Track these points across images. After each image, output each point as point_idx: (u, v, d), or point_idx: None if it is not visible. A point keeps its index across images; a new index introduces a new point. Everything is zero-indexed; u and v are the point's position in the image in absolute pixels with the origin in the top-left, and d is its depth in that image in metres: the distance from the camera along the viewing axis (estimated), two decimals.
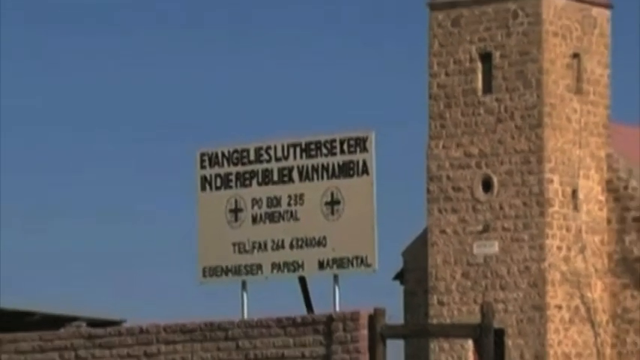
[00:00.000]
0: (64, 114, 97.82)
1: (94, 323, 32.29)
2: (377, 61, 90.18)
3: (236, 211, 22.96)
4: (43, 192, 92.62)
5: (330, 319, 19.89)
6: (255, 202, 22.87)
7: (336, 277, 22.10)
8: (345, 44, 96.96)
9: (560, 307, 49.25)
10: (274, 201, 22.74)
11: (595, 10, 51.24)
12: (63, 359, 21.12)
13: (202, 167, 23.33)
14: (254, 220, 22.86)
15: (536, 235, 49.24)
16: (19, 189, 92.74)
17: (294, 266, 22.63)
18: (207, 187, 23.31)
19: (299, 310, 21.97)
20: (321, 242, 22.32)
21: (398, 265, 52.59)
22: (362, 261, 22.18)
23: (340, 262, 22.11)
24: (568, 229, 49.92)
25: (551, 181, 49.40)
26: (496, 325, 30.22)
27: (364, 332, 19.42)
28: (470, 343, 46.78)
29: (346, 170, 22.33)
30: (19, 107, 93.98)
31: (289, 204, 22.67)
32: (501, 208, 49.76)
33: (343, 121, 69.19)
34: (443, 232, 50.40)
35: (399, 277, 52.90)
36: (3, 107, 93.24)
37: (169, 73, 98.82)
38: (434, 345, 49.69)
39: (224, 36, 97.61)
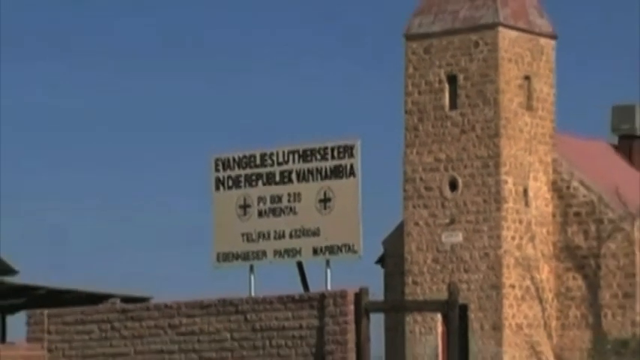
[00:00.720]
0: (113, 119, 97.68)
1: (126, 300, 32.18)
2: (362, 82, 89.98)
3: (244, 206, 23.01)
4: (84, 186, 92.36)
5: (322, 297, 19.94)
6: (261, 199, 22.93)
7: (327, 261, 22.21)
8: (335, 68, 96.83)
9: (513, 287, 49.13)
10: (276, 198, 22.81)
11: (542, 40, 51.17)
12: (101, 330, 21.14)
13: (217, 170, 23.41)
14: (259, 214, 22.93)
15: (494, 226, 49.16)
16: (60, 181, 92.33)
17: (293, 253, 22.71)
18: (221, 186, 23.36)
19: (297, 289, 22.04)
20: (315, 233, 22.39)
21: (379, 251, 52.49)
22: (349, 248, 22.27)
23: (331, 249, 22.20)
24: (520, 222, 49.85)
25: (506, 182, 49.32)
26: (460, 301, 30.29)
27: (351, 307, 19.48)
28: (439, 316, 46.69)
29: (336, 173, 22.40)
30: (58, 108, 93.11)
31: (289, 201, 22.75)
32: (465, 204, 49.64)
33: (334, 131, 68.65)
34: (416, 224, 50.28)
35: (380, 261, 52.78)
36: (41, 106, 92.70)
37: (191, 92, 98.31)
38: (409, 318, 49.54)
39: (237, 60, 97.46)
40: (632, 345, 46.52)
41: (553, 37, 51.43)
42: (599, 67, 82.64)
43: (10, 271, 41.92)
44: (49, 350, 21.17)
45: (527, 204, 49.89)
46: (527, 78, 50.22)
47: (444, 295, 26.64)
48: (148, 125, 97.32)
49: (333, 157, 22.26)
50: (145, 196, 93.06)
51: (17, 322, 43.43)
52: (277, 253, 22.61)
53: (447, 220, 49.55)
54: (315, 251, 22.27)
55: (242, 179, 22.86)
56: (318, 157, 22.37)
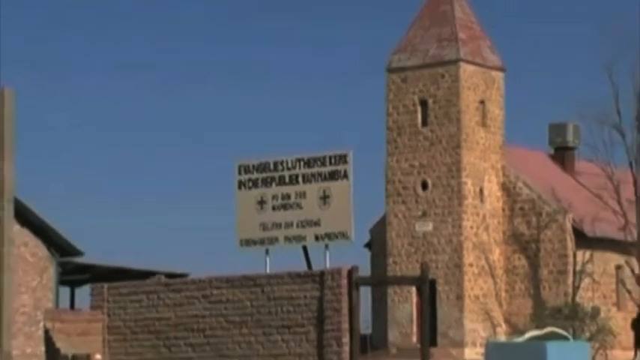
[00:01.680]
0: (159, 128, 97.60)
1: (168, 275, 32.17)
2: (353, 105, 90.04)
3: (261, 202, 22.99)
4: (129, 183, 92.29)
5: (322, 273, 19.93)
6: (274, 197, 22.92)
7: (326, 245, 22.24)
8: (334, 93, 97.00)
9: (472, 265, 49.06)
10: (286, 196, 22.80)
11: (493, 73, 51.12)
12: (149, 299, 21.11)
13: (239, 174, 23.41)
14: (273, 208, 22.92)
15: (456, 218, 49.10)
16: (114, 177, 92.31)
17: (299, 239, 22.73)
18: (242, 187, 23.33)
19: (302, 267, 22.02)
20: (316, 223, 22.39)
21: (367, 237, 52.34)
22: (343, 235, 22.30)
23: (329, 236, 22.23)
24: (477, 215, 49.79)
25: (466, 183, 49.24)
26: (430, 277, 30.24)
27: (345, 282, 19.44)
28: (414, 289, 46.63)
29: (333, 176, 22.39)
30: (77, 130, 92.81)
31: (296, 198, 22.73)
32: (434, 200, 49.57)
33: (331, 143, 68.73)
34: (396, 216, 50.21)
35: (368, 245, 52.68)
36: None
37: (222, 108, 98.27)
38: (390, 290, 49.47)
39: (258, 81, 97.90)
40: (565, 311, 46.49)
41: (502, 69, 51.41)
42: (538, 93, 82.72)
43: (77, 253, 41.88)
44: (108, 315, 21.17)
45: (482, 200, 49.86)
46: (482, 102, 50.20)
47: (417, 273, 26.72)
48: (188, 138, 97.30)
49: (330, 163, 22.29)
50: (183, 194, 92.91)
51: (83, 294, 43.61)
52: (287, 239, 22.66)
53: (420, 213, 49.48)
54: (316, 238, 22.33)
55: (259, 181, 22.88)
56: (319, 163, 22.40)
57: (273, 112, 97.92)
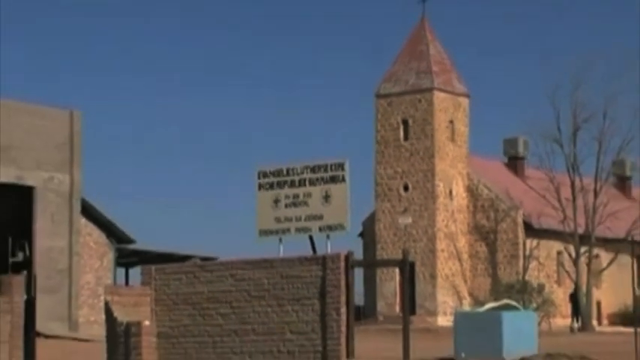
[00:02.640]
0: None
1: (203, 258, 32.00)
2: (350, 124, 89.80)
3: (276, 201, 22.87)
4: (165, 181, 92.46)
5: (324, 257, 19.87)
6: (286, 196, 22.79)
7: (328, 235, 22.14)
8: (334, 115, 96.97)
9: (443, 251, 49.15)
10: (296, 196, 22.68)
11: (460, 98, 51.21)
12: (187, 277, 21.05)
13: (259, 178, 23.27)
14: (285, 206, 22.79)
15: (431, 214, 49.15)
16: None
17: (306, 230, 22.62)
18: (261, 188, 23.17)
19: (309, 252, 21.96)
20: (320, 217, 22.29)
21: (360, 229, 52.43)
22: (341, 227, 22.20)
23: (330, 228, 22.12)
24: (447, 211, 49.80)
25: (438, 185, 49.33)
26: (410, 260, 30.33)
27: (342, 264, 19.39)
28: (397, 270, 46.65)
29: (333, 180, 22.29)
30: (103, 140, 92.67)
31: (303, 197, 22.63)
32: (413, 199, 49.64)
33: (331, 154, 68.79)
34: (383, 212, 50.28)
35: (361, 235, 52.74)
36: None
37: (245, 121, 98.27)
38: (378, 271, 49.52)
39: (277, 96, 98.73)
40: (516, 287, 46.51)
41: (467, 96, 51.43)
42: (495, 114, 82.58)
43: (130, 241, 41.88)
44: (155, 290, 21.14)
45: (451, 199, 49.87)
46: (451, 122, 50.22)
47: (399, 257, 26.75)
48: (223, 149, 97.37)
49: (330, 170, 22.21)
50: (216, 195, 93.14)
51: (135, 273, 43.68)
52: (296, 230, 22.55)
53: (402, 210, 49.51)
54: (320, 229, 22.22)
55: (275, 184, 22.80)
56: (322, 170, 22.32)
57: (288, 128, 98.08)
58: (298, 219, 22.50)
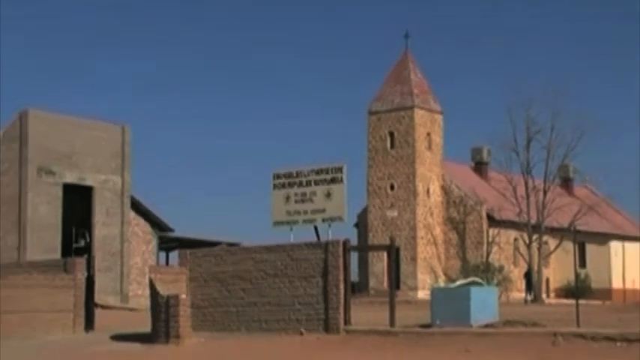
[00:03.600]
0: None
1: (229, 244, 32.04)
2: (347, 135, 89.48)
3: (287, 198, 22.89)
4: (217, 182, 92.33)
5: (327, 243, 19.91)
6: (295, 194, 22.79)
7: (329, 225, 22.14)
8: (335, 129, 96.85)
9: (422, 238, 49.16)
10: (303, 194, 22.66)
11: (436, 115, 51.19)
12: (216, 259, 21.06)
13: (274, 179, 23.26)
14: (295, 202, 22.80)
15: (412, 208, 49.15)
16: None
17: (312, 221, 22.63)
18: (276, 188, 23.16)
19: (314, 239, 21.96)
20: (323, 211, 22.31)
21: (355, 220, 52.34)
22: (340, 219, 22.21)
23: (331, 219, 22.14)
24: (425, 206, 49.79)
25: (418, 185, 49.27)
26: (396, 245, 30.39)
27: (341, 249, 19.43)
28: (385, 253, 46.66)
29: (333, 180, 22.29)
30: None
31: (310, 195, 22.61)
32: (398, 196, 49.67)
33: (332, 159, 68.45)
34: (374, 207, 50.29)
35: (356, 225, 52.67)
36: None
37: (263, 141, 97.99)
38: (370, 254, 49.48)
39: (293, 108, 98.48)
40: (481, 267, 46.46)
41: (441, 113, 51.38)
42: (464, 128, 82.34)
43: (170, 230, 41.95)
44: (189, 270, 21.19)
45: (429, 197, 49.86)
46: (428, 134, 50.18)
47: (387, 243, 26.89)
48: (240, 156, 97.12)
49: (332, 172, 22.24)
50: (239, 191, 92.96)
51: (174, 256, 43.71)
52: (304, 221, 22.59)
53: (389, 205, 49.52)
54: (323, 220, 22.26)
55: (286, 184, 22.83)
56: (324, 172, 22.34)
57: (298, 138, 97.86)
58: (305, 212, 22.55)
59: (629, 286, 50.48)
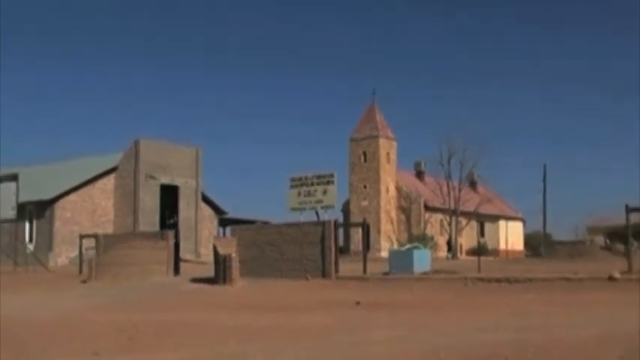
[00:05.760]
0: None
1: (263, 222, 31.78)
2: (335, 154, 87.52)
3: (299, 194, 22.74)
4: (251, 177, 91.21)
5: (323, 222, 19.85)
6: (303, 192, 22.62)
7: (326, 211, 22.02)
8: (324, 149, 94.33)
9: (384, 219, 48.90)
10: (309, 192, 22.53)
11: (392, 142, 51.03)
12: (253, 232, 21.00)
13: (290, 181, 23.09)
14: (303, 195, 22.62)
15: (377, 200, 48.87)
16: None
17: (314, 208, 22.46)
18: (291, 188, 23.04)
19: (315, 220, 21.85)
20: (321, 202, 22.16)
21: (342, 207, 52.01)
22: (332, 207, 22.09)
23: (327, 207, 22.03)
24: (385, 199, 49.58)
25: (382, 186, 49.25)
26: (367, 223, 30.38)
27: (332, 225, 19.40)
28: (360, 228, 46.59)
29: (328, 182, 22.17)
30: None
31: (313, 191, 22.44)
32: (369, 193, 49.46)
33: (326, 169, 67.27)
34: (353, 199, 50.08)
35: (342, 210, 52.36)
36: None
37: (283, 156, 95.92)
38: (351, 229, 49.31)
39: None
40: (420, 237, 45.91)
41: (395, 140, 51.30)
42: (410, 149, 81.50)
43: (225, 213, 41.94)
44: (238, 238, 21.21)
45: (387, 193, 49.78)
46: (388, 153, 50.05)
47: (361, 222, 26.82)
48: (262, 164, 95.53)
49: (327, 177, 22.18)
50: (268, 189, 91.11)
51: (228, 230, 43.31)
52: (309, 208, 22.49)
53: (363, 198, 49.44)
54: (321, 207, 22.23)
55: (297, 185, 22.79)
56: (322, 177, 22.28)
57: (304, 155, 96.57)
58: (310, 202, 22.53)
59: (510, 248, 50.90)
